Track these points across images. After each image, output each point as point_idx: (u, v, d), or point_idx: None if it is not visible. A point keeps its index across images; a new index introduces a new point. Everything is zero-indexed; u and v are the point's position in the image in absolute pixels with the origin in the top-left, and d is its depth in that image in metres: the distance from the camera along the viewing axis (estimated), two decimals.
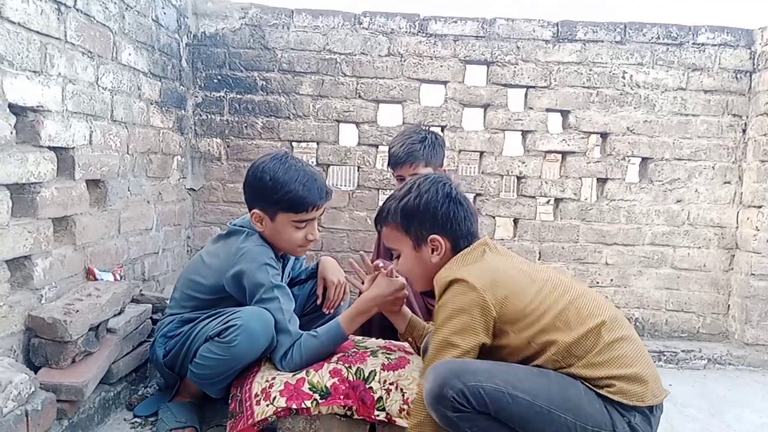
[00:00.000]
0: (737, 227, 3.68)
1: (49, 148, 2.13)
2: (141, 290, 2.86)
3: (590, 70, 3.64)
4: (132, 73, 2.79)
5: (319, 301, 2.51)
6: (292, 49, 3.64)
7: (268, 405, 1.98)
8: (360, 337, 2.39)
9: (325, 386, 2.00)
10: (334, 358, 2.10)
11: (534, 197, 3.75)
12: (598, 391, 1.60)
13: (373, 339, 2.37)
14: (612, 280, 3.74)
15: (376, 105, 3.69)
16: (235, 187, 3.71)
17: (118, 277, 2.61)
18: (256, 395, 2.02)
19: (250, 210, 2.25)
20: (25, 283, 2.05)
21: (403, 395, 1.96)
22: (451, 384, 1.56)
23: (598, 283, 3.73)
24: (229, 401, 2.12)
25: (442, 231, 1.85)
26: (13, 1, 1.88)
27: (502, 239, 3.80)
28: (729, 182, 3.68)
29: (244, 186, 2.28)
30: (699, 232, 3.70)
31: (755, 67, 3.60)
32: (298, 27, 3.64)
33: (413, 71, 3.64)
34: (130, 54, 2.75)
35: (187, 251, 3.72)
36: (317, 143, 3.73)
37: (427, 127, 2.98)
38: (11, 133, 1.94)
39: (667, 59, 3.63)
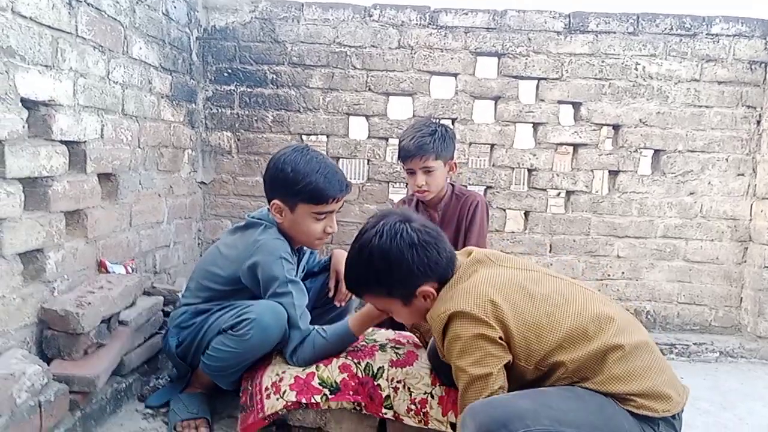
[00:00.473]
0: (750, 219, 3.65)
1: (61, 142, 2.15)
2: (152, 283, 2.87)
3: (602, 61, 3.61)
4: (143, 67, 2.80)
5: (331, 294, 2.52)
6: (302, 42, 3.64)
7: (278, 399, 2.00)
8: (370, 329, 2.39)
9: (335, 381, 2.01)
10: (344, 352, 2.11)
11: (545, 190, 3.73)
12: (622, 406, 1.55)
13: (383, 330, 2.37)
14: (623, 272, 3.72)
15: (386, 98, 3.68)
16: (245, 180, 3.72)
17: (130, 270, 2.63)
18: (267, 389, 2.04)
19: (269, 201, 2.25)
20: (38, 275, 2.07)
21: (410, 394, 1.97)
22: None
23: (609, 276, 3.71)
24: (240, 394, 2.14)
25: (426, 279, 1.72)
26: None
27: (513, 232, 3.79)
28: (743, 174, 3.64)
29: (264, 177, 2.28)
30: (712, 224, 3.67)
31: None
32: (308, 20, 3.63)
33: (423, 64, 3.63)
34: (140, 48, 2.76)
35: (198, 244, 3.74)
36: (327, 136, 3.73)
37: (437, 120, 2.97)
38: (23, 127, 1.95)
39: (680, 50, 3.59)
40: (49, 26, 2.03)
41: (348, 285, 1.91)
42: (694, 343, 3.50)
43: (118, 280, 2.36)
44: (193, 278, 2.38)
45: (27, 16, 1.91)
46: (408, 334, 2.30)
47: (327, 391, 1.99)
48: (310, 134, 3.78)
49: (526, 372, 1.64)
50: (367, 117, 3.70)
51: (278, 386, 2.02)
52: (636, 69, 3.61)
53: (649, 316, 3.71)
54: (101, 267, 2.47)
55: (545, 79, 3.63)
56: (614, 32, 3.60)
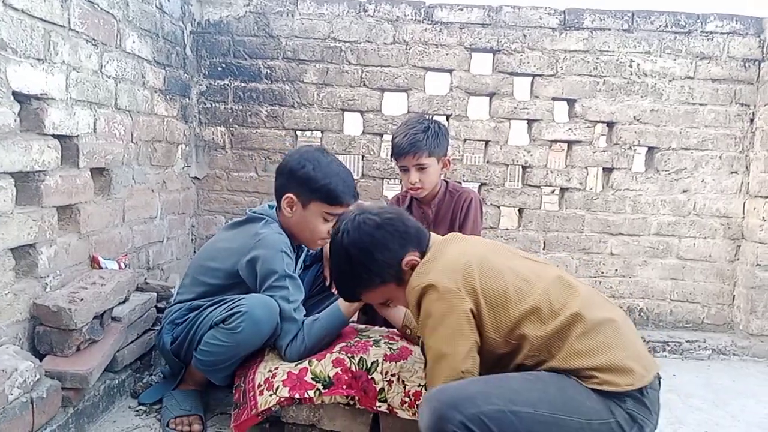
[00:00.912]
0: (743, 217, 3.66)
1: (53, 136, 2.13)
2: (145, 279, 2.86)
3: (597, 58, 3.61)
4: (136, 61, 2.78)
5: (327, 282, 2.53)
6: (296, 36, 3.62)
7: (271, 395, 1.99)
8: (363, 326, 2.39)
9: (328, 376, 2.00)
10: (337, 348, 2.11)
11: (539, 187, 3.73)
12: (586, 384, 1.57)
13: (377, 327, 2.37)
14: (617, 270, 3.72)
15: (381, 93, 3.67)
16: (239, 175, 3.71)
17: (123, 266, 2.62)
18: (260, 385, 2.03)
19: (281, 195, 2.27)
20: (30, 271, 2.06)
21: (404, 387, 1.96)
22: (449, 417, 1.48)
23: (603, 273, 3.72)
24: (233, 391, 2.13)
25: (405, 250, 1.78)
26: None
27: (507, 229, 3.79)
28: (736, 172, 3.66)
29: (281, 171, 2.30)
30: (705, 222, 3.68)
31: (764, 55, 3.57)
32: (302, 14, 3.61)
33: (418, 59, 3.62)
34: (134, 42, 2.74)
35: (192, 240, 3.72)
36: (321, 132, 3.72)
37: (430, 117, 2.96)
38: (15, 120, 1.93)
39: (674, 48, 3.60)
40: (41, 19, 2.01)
41: (344, 295, 1.97)
42: (687, 341, 3.51)
43: (110, 276, 2.35)
44: (188, 274, 2.38)
45: (19, 9, 1.89)
46: None
47: (320, 386, 1.99)
48: (304, 129, 3.77)
49: (497, 345, 1.66)
50: (361, 113, 3.69)
51: (271, 382, 2.02)
52: (630, 66, 3.61)
53: (642, 314, 3.73)
54: (94, 262, 2.46)
55: (540, 75, 3.63)
56: (609, 29, 3.60)
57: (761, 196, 3.50)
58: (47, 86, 2.06)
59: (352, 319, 2.36)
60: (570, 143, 3.72)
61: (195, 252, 3.71)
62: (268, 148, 3.68)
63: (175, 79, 3.29)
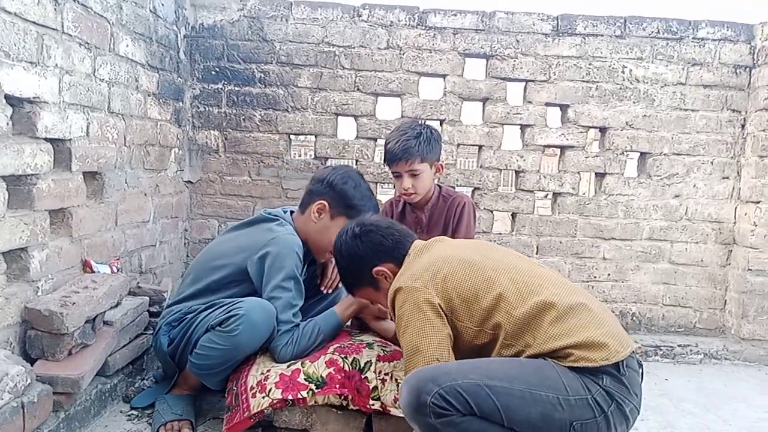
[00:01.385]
0: (735, 222, 3.68)
1: (46, 139, 2.12)
2: (138, 283, 2.85)
3: (590, 64, 3.63)
4: (129, 65, 2.78)
5: (319, 281, 2.56)
6: (290, 41, 3.62)
7: (264, 397, 1.99)
8: (357, 331, 2.40)
9: (321, 376, 2.00)
10: (330, 349, 2.11)
11: (532, 191, 3.74)
12: (563, 363, 1.60)
13: (370, 332, 2.37)
14: (609, 274, 3.74)
15: (375, 98, 3.68)
16: (232, 179, 3.70)
17: (115, 270, 2.61)
18: (252, 388, 2.03)
19: (313, 199, 2.37)
20: (22, 275, 2.05)
21: (397, 385, 1.97)
22: (427, 389, 1.54)
23: (595, 277, 3.73)
24: (226, 395, 2.12)
25: (376, 261, 1.94)
26: None
27: (500, 233, 3.80)
28: (727, 177, 3.68)
29: (320, 179, 2.40)
30: (697, 227, 3.70)
31: (755, 62, 3.60)
32: (296, 19, 3.62)
33: (412, 64, 3.63)
34: (127, 45, 2.74)
35: (185, 244, 3.71)
36: (315, 136, 3.72)
37: (422, 122, 2.95)
38: (7, 124, 1.93)
39: (666, 54, 3.62)
40: (34, 22, 2.01)
41: (345, 288, 2.17)
42: (679, 345, 3.53)
43: (103, 280, 2.34)
44: (190, 273, 2.41)
45: (12, 12, 1.89)
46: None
47: (313, 386, 1.99)
48: (298, 134, 3.77)
49: (476, 335, 1.73)
50: (355, 117, 3.69)
51: (263, 385, 2.02)
52: (623, 72, 3.63)
53: (634, 318, 3.74)
54: (86, 266, 2.45)
55: (533, 81, 3.64)
56: (602, 35, 3.62)
57: (752, 202, 3.52)
58: (40, 90, 2.06)
59: (346, 324, 2.38)
60: (563, 148, 3.74)
61: (188, 256, 3.71)
62: (262, 152, 3.68)
63: (169, 83, 3.29)
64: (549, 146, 3.73)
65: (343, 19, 3.61)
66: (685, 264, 3.72)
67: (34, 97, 2.03)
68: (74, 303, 2.05)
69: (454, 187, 3.40)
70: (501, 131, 3.69)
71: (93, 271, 2.45)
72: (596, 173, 3.76)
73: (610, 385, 1.59)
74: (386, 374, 2.01)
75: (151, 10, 2.99)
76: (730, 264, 3.70)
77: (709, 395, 2.95)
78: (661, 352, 3.50)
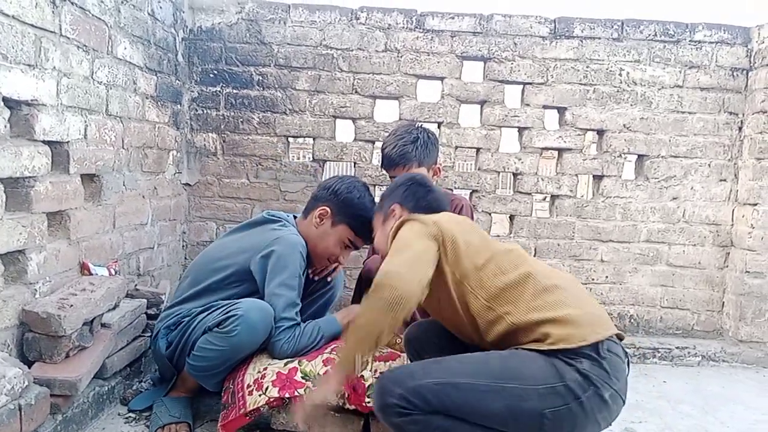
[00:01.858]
0: (732, 225, 3.69)
1: (44, 142, 2.13)
2: (136, 285, 2.85)
3: (587, 66, 3.63)
4: (127, 68, 2.78)
5: (311, 273, 2.58)
6: (288, 44, 3.63)
7: (260, 395, 1.99)
8: None
9: (318, 374, 2.01)
10: (328, 350, 2.13)
11: (530, 194, 3.74)
12: (539, 348, 1.60)
13: None
14: (607, 277, 3.74)
15: (373, 101, 3.68)
16: (231, 182, 3.70)
17: (113, 272, 2.61)
18: (249, 386, 2.03)
19: (316, 204, 2.43)
20: (19, 277, 2.05)
21: None
22: (390, 391, 1.58)
23: (593, 280, 3.73)
24: (222, 394, 2.13)
25: (396, 201, 2.02)
26: None
27: (498, 236, 3.80)
28: (725, 180, 3.69)
29: (326, 187, 2.47)
30: (694, 229, 3.71)
31: (752, 64, 3.61)
32: (294, 22, 3.62)
33: (410, 67, 3.64)
34: (125, 48, 2.74)
35: (183, 246, 3.71)
36: (313, 139, 3.72)
37: (419, 126, 2.95)
38: (5, 126, 1.93)
39: (664, 56, 3.63)
40: (32, 25, 2.01)
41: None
42: (677, 347, 3.53)
43: (100, 282, 2.34)
44: (188, 276, 2.42)
45: (9, 15, 1.89)
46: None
47: (310, 384, 1.99)
48: (296, 136, 3.77)
49: (457, 286, 1.74)
50: (353, 120, 3.69)
51: (260, 383, 2.02)
52: (620, 75, 3.64)
53: (632, 320, 3.74)
54: (84, 269, 2.45)
55: (531, 83, 3.65)
56: (599, 38, 3.63)
57: (750, 204, 3.53)
58: (38, 92, 2.06)
59: None
60: (560, 151, 3.74)
61: (186, 258, 3.71)
62: (260, 155, 3.68)
63: (167, 86, 3.29)
64: (547, 149, 3.73)
65: (341, 22, 3.62)
66: (682, 266, 3.73)
67: (32, 100, 2.03)
68: (72, 305, 2.05)
69: (452, 190, 3.40)
70: (499, 134, 3.70)
71: (91, 274, 2.45)
72: (594, 176, 3.77)
73: (589, 368, 1.57)
74: (381, 373, 2.01)
75: (149, 13, 3.00)
76: (727, 266, 3.71)
77: (707, 397, 2.95)
78: (659, 354, 3.51)
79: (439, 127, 3.68)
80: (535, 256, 3.72)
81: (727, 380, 3.25)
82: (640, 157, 3.73)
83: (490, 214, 3.75)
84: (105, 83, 2.56)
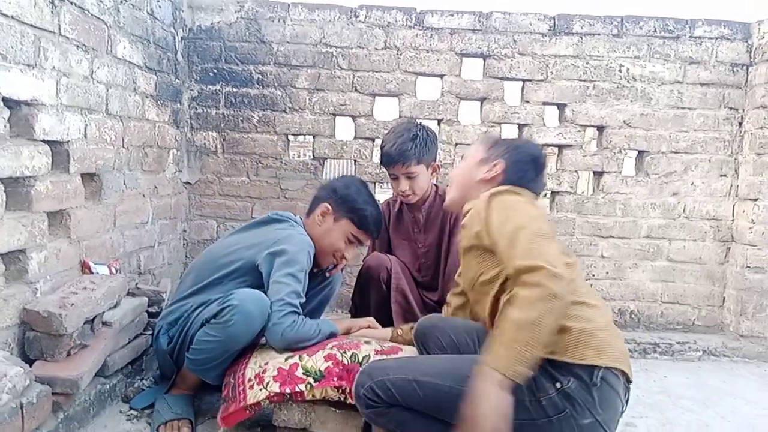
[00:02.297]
0: (733, 220, 3.69)
1: (44, 141, 2.13)
2: (137, 283, 2.85)
3: (587, 63, 3.63)
4: (127, 67, 2.78)
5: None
6: (288, 42, 3.63)
7: (261, 389, 1.99)
8: (355, 333, 2.42)
9: (319, 369, 2.01)
10: (329, 345, 2.12)
11: None
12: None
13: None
14: (608, 272, 3.74)
15: (373, 98, 3.68)
16: (231, 180, 3.71)
17: (114, 271, 2.62)
18: (249, 380, 2.04)
19: (318, 204, 2.48)
20: (20, 276, 2.05)
21: None
22: (362, 383, 1.69)
23: (594, 275, 3.73)
24: (222, 388, 2.13)
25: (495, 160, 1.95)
26: None
27: None
28: (725, 175, 3.68)
29: (325, 186, 2.57)
30: (695, 224, 3.71)
31: (752, 60, 3.60)
32: (294, 20, 3.63)
33: (410, 64, 3.64)
34: (125, 47, 2.75)
35: (183, 245, 3.72)
36: (313, 137, 3.73)
37: (418, 123, 2.95)
38: (5, 126, 1.94)
39: (663, 52, 3.63)
40: (31, 25, 2.01)
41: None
42: (678, 342, 3.53)
43: (101, 281, 2.35)
44: (189, 274, 2.43)
45: (8, 15, 1.89)
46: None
47: (311, 380, 1.99)
48: (296, 134, 3.77)
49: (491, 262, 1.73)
50: (353, 117, 3.70)
51: (261, 377, 2.03)
52: (620, 71, 3.64)
53: (633, 316, 3.75)
54: (85, 267, 2.45)
55: (530, 80, 3.65)
56: (598, 34, 3.63)
57: (750, 199, 3.53)
58: (37, 92, 2.07)
59: None
60: (560, 147, 3.74)
61: (187, 257, 3.72)
62: (260, 153, 3.69)
63: (167, 85, 3.30)
64: (547, 145, 3.73)
65: (341, 20, 3.62)
66: (683, 261, 3.73)
67: (31, 100, 2.03)
68: (73, 304, 2.06)
69: None
70: (499, 131, 3.70)
71: (92, 272, 2.45)
72: (594, 172, 3.77)
73: (575, 390, 1.52)
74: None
75: (148, 12, 3.00)
76: (728, 261, 3.71)
77: (708, 392, 2.96)
78: (660, 350, 3.51)
79: (439, 124, 3.68)
80: None
81: (728, 375, 3.26)
82: (641, 153, 3.73)
83: None
84: (104, 83, 2.57)
